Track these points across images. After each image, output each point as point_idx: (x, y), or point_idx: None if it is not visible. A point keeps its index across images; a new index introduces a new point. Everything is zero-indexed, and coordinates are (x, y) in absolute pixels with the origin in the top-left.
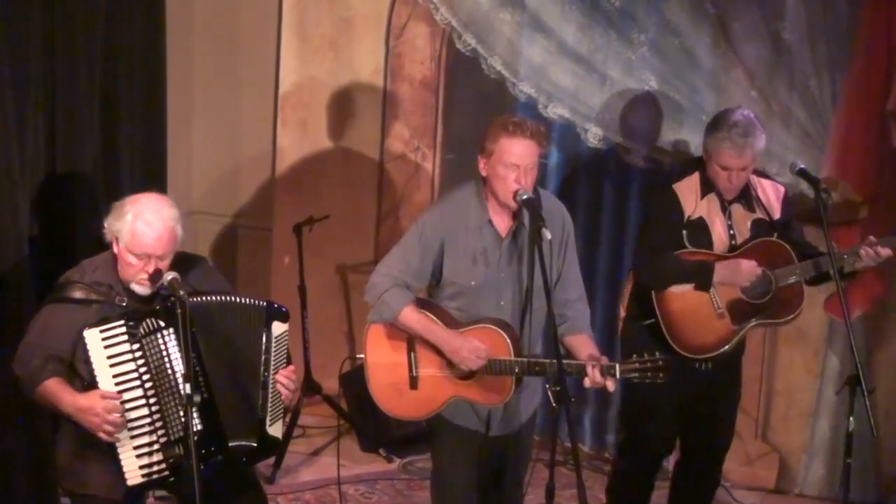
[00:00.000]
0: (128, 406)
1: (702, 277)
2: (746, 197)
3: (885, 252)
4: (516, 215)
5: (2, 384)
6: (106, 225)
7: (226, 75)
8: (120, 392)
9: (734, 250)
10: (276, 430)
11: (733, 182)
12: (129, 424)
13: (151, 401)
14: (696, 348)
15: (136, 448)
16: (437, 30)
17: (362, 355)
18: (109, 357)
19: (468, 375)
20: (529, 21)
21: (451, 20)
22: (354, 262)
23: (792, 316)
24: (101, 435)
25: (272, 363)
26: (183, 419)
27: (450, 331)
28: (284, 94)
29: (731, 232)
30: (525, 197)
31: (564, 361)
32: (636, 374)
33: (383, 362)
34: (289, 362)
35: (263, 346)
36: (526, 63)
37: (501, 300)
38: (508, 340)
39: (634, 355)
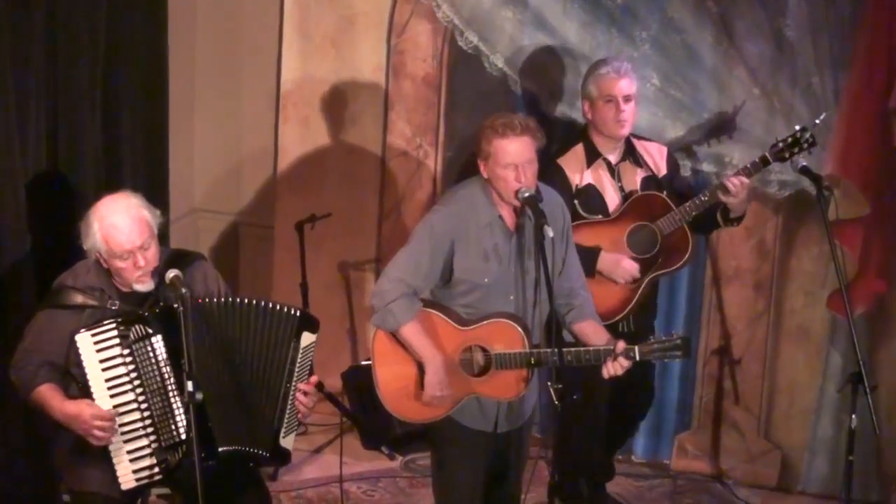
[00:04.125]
0: (120, 410)
1: (586, 264)
2: (633, 155)
3: (745, 180)
4: (520, 210)
5: (3, 383)
6: (85, 248)
7: (227, 73)
8: (112, 396)
9: None
10: (288, 442)
11: (622, 113)
12: (122, 429)
13: (143, 406)
14: (605, 314)
15: (129, 452)
16: (438, 27)
17: (369, 360)
18: (101, 361)
19: (482, 372)
20: (531, 19)
21: (452, 18)
22: (356, 259)
23: (683, 261)
24: (92, 440)
25: (296, 374)
26: (173, 425)
27: (441, 362)
28: (286, 92)
29: (623, 193)
30: (526, 195)
31: (582, 349)
32: (656, 354)
33: (392, 366)
34: (311, 373)
35: (290, 357)
36: (528, 61)
37: (511, 295)
38: (522, 333)
39: (651, 337)
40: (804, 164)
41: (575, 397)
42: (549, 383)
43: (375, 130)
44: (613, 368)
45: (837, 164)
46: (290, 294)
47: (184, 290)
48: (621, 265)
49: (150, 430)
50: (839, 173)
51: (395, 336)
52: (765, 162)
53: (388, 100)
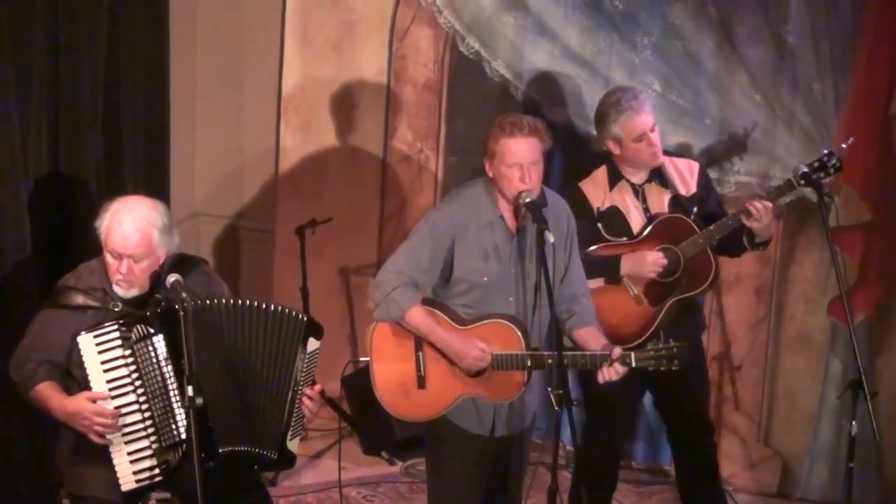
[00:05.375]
0: (122, 412)
1: (609, 271)
2: (660, 175)
3: (769, 204)
4: (521, 213)
5: (3, 385)
6: (96, 224)
7: (229, 77)
8: (113, 397)
9: None
10: (293, 445)
11: (655, 143)
12: (123, 430)
13: (144, 406)
14: (626, 338)
15: (129, 454)
16: (440, 33)
17: (366, 358)
18: (103, 362)
19: (479, 373)
20: (533, 24)
21: (454, 23)
22: (357, 264)
23: (706, 284)
24: (93, 437)
25: (301, 378)
26: (174, 425)
27: (455, 334)
28: (287, 96)
29: (648, 214)
30: (527, 200)
31: (578, 353)
32: (651, 362)
33: (390, 362)
34: (314, 381)
35: (296, 361)
36: (529, 66)
37: (510, 296)
38: (520, 335)
39: (649, 344)
40: (805, 170)
41: (575, 403)
42: (549, 389)
43: (377, 135)
44: (609, 374)
45: None
46: (290, 299)
47: (184, 295)
48: (647, 260)
49: (150, 430)
50: (840, 180)
51: (395, 331)
52: (789, 186)
53: (389, 104)
